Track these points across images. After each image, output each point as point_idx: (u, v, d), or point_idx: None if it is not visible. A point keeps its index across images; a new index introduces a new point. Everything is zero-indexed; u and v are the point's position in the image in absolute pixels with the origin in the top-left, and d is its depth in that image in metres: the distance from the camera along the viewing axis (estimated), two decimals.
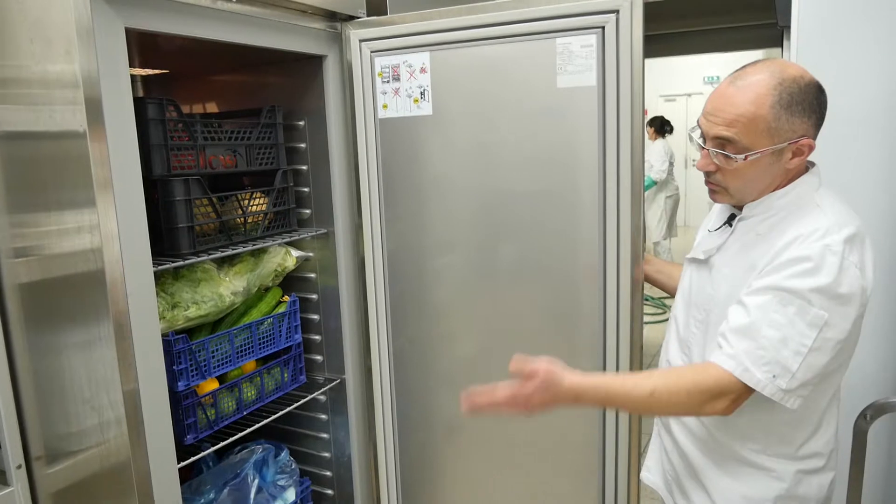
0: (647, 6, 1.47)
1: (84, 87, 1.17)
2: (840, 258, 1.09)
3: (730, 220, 1.30)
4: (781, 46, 2.81)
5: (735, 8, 3.16)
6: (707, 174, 1.24)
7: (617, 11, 1.48)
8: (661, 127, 7.22)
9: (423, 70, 1.69)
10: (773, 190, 1.22)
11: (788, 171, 1.20)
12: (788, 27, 2.01)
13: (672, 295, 1.66)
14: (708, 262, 1.30)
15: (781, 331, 1.10)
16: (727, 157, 1.17)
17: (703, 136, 1.22)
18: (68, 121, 1.20)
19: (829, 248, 1.10)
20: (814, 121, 1.17)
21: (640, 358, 1.63)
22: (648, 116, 8.80)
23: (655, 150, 7.00)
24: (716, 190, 1.26)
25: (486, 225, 1.74)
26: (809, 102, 1.15)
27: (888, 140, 1.77)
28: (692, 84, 10.09)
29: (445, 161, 1.75)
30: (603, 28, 1.49)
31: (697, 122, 1.24)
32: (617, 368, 1.63)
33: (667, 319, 6.51)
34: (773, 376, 1.11)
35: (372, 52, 1.75)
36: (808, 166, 1.24)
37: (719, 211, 1.36)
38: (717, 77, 9.95)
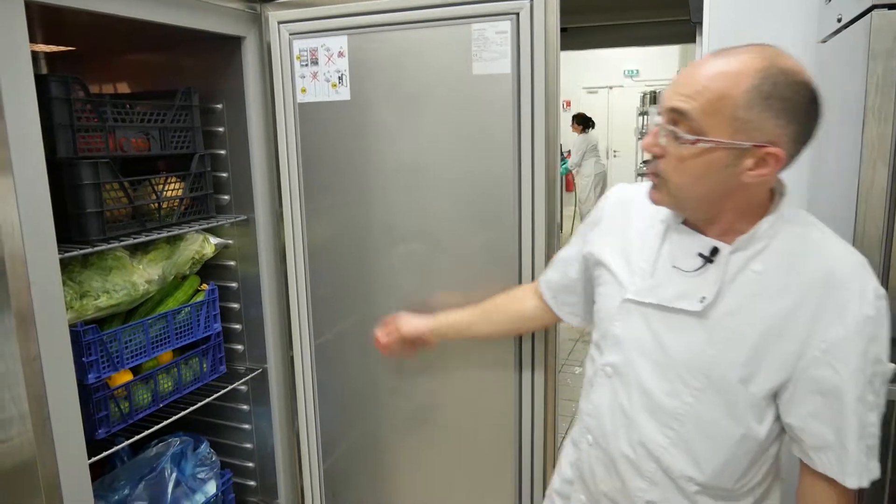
0: None
1: None
2: (885, 300, 0.96)
3: (709, 258, 1.03)
4: (695, 42, 2.92)
5: (651, 4, 3.27)
6: (650, 160, 1.02)
7: None
8: (585, 123, 7.93)
9: (340, 54, 1.67)
10: (729, 210, 1.01)
11: (746, 189, 0.97)
12: (701, 23, 2.10)
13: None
14: (701, 314, 1.02)
15: (877, 407, 0.97)
16: (676, 136, 0.95)
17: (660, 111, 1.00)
18: None
19: (878, 294, 0.95)
20: (792, 131, 0.92)
21: (555, 364, 1.67)
22: (572, 108, 9.10)
23: (575, 142, 7.98)
24: (655, 183, 1.03)
25: (407, 213, 1.73)
26: (795, 105, 0.91)
27: None
28: (613, 77, 10.44)
29: (364, 148, 1.73)
30: (517, 14, 1.51)
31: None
32: (532, 374, 1.66)
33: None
34: (874, 453, 0.99)
35: (291, 34, 1.72)
36: (777, 190, 1.03)
37: (682, 245, 1.07)
38: (637, 70, 10.31)
